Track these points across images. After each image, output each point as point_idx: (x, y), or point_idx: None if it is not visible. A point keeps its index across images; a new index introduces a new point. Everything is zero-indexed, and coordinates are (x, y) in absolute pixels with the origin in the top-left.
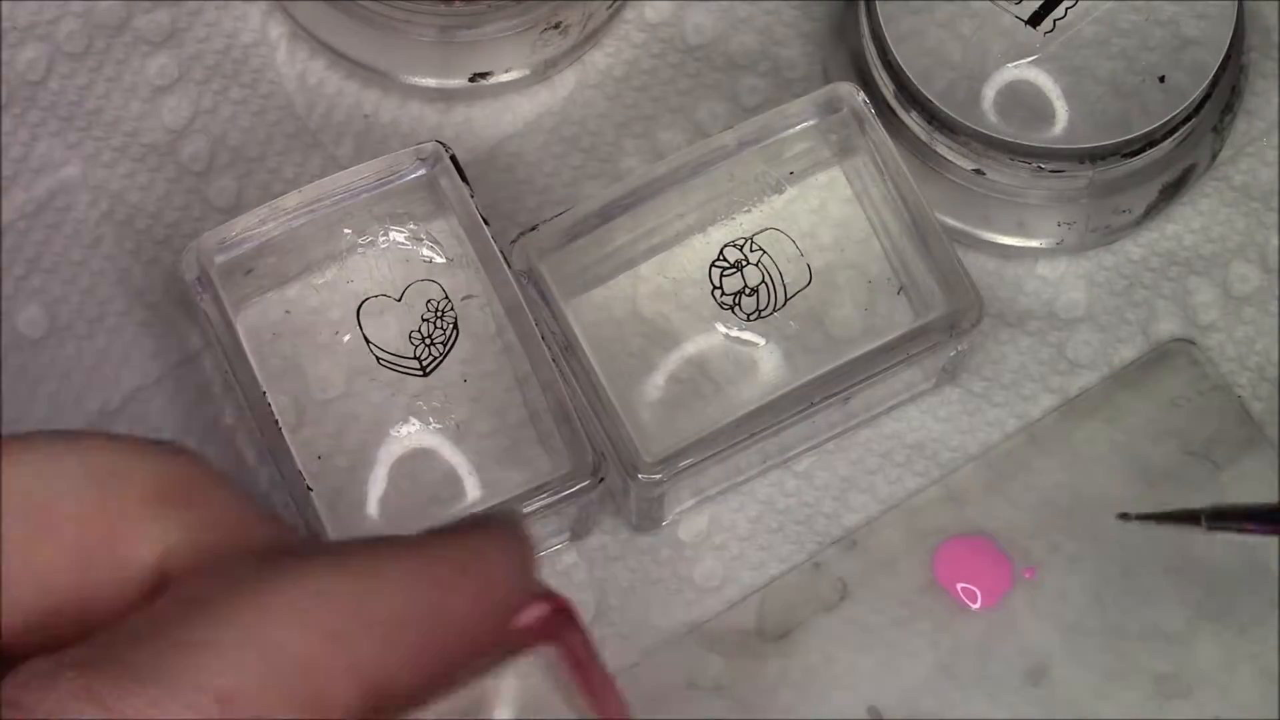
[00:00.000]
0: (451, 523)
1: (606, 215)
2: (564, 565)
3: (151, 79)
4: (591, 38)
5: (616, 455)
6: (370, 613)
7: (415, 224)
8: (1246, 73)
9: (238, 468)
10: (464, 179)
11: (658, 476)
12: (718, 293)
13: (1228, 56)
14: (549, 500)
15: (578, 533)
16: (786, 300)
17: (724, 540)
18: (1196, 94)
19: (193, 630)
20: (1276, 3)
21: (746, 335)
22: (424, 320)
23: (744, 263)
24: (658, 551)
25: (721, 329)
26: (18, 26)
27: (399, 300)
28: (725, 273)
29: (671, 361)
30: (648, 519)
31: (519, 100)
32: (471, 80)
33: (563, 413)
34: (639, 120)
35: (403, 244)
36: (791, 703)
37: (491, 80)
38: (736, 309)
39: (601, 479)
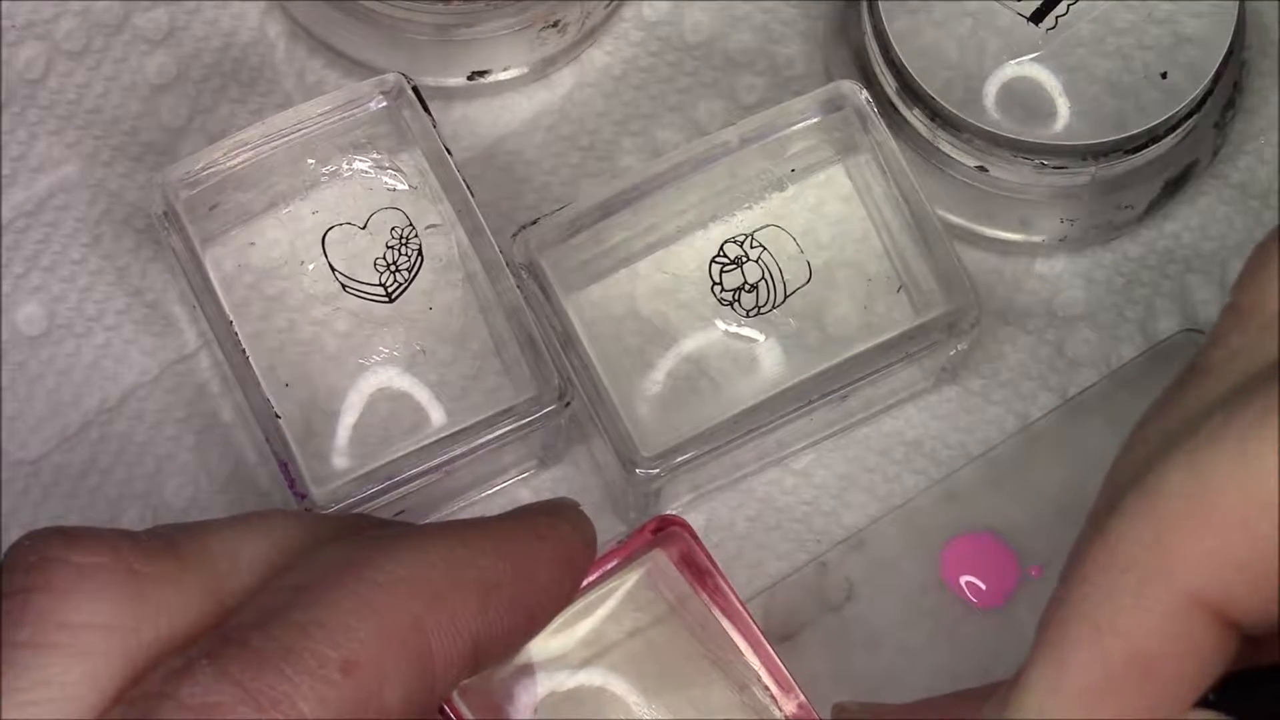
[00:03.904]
0: (522, 506)
1: (608, 210)
2: None
3: (150, 77)
4: (590, 36)
5: (614, 449)
6: (467, 576)
7: (379, 153)
8: (1247, 69)
9: (237, 465)
10: (426, 110)
11: (655, 471)
12: (717, 289)
13: (1229, 52)
14: (516, 425)
15: (545, 461)
16: (786, 297)
17: (721, 538)
18: (1198, 90)
19: (308, 611)
20: (1275, 1)
21: (745, 332)
22: (388, 248)
23: (744, 259)
24: None
25: (720, 325)
26: (16, 25)
27: (363, 228)
28: (725, 269)
29: (670, 357)
30: (645, 514)
31: (517, 99)
32: (470, 79)
33: (528, 338)
34: (637, 118)
35: (366, 173)
36: None
37: (490, 79)
38: (736, 305)
39: (568, 403)
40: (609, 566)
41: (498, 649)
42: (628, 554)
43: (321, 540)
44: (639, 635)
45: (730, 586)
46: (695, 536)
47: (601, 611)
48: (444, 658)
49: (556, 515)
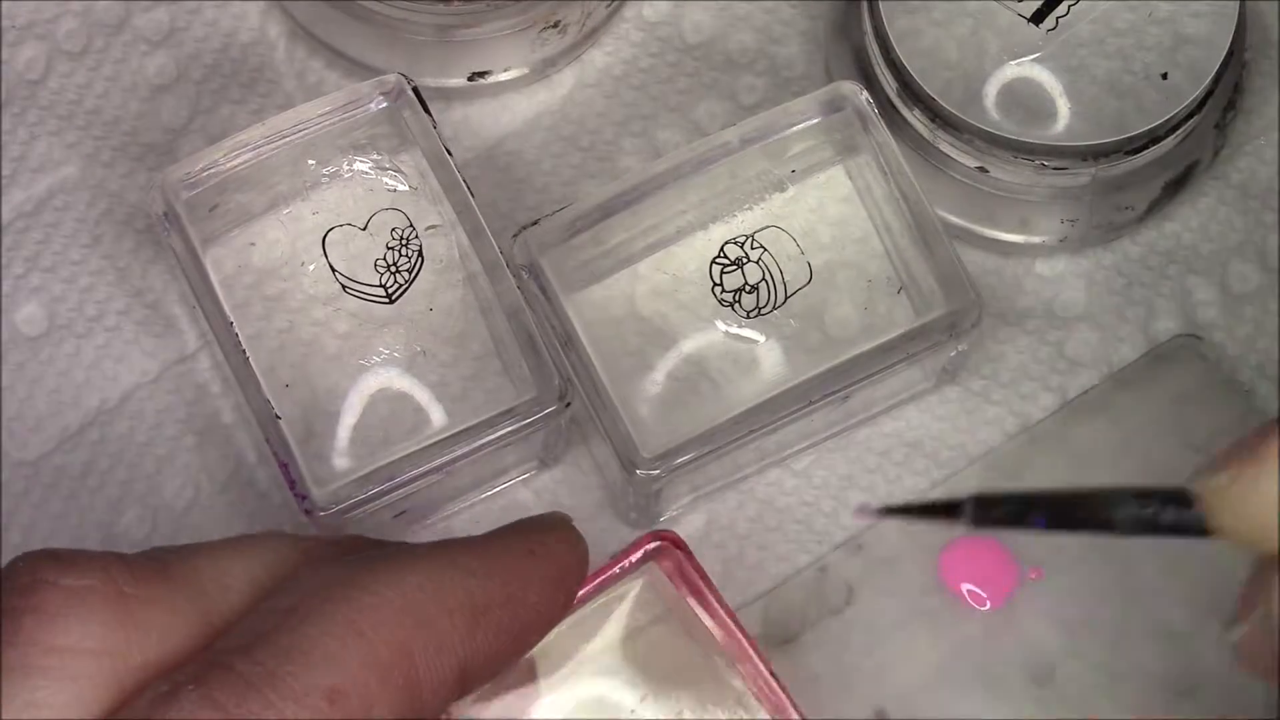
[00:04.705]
0: (514, 522)
1: (609, 210)
2: None
3: (150, 78)
4: (590, 37)
5: (615, 450)
6: (455, 599)
7: (379, 154)
8: (1247, 70)
9: (237, 466)
10: (426, 110)
11: (655, 472)
12: (717, 290)
13: (1230, 53)
14: (516, 425)
15: (546, 462)
16: (786, 298)
17: (722, 539)
18: (1199, 91)
19: (294, 636)
20: (1275, 1)
21: (746, 333)
22: (389, 249)
23: (744, 260)
24: None
25: (721, 326)
26: (17, 25)
27: (364, 229)
28: (725, 269)
29: (670, 358)
30: (645, 515)
31: (517, 99)
32: (470, 79)
33: (529, 339)
34: (637, 119)
35: (367, 174)
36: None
37: (490, 79)
38: (736, 306)
39: (568, 404)
40: (600, 580)
41: (486, 671)
42: (619, 572)
43: (312, 561)
44: (639, 636)
45: (722, 602)
46: (688, 551)
47: (601, 615)
48: (431, 683)
49: (548, 531)
